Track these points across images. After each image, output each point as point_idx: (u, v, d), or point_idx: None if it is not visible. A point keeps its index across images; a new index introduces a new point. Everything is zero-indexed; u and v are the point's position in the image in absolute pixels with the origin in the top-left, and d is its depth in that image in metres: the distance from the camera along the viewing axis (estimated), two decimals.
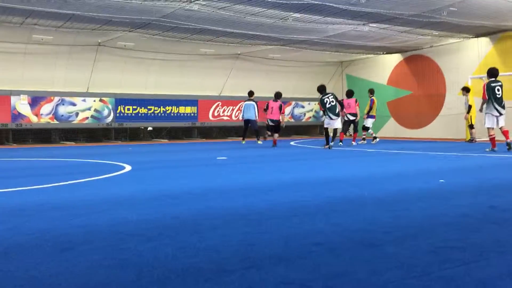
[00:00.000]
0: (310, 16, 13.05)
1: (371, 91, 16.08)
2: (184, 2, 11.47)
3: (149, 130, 18.75)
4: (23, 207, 4.52)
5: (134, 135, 18.41)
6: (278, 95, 15.52)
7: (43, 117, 16.22)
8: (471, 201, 4.70)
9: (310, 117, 22.75)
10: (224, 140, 19.24)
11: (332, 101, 13.19)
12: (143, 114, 18.09)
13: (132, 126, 18.07)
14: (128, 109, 17.78)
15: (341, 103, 14.14)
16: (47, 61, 16.10)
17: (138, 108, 17.96)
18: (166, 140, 18.63)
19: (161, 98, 18.49)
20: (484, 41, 16.64)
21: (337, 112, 13.25)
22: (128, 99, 17.79)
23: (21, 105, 15.81)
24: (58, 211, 4.33)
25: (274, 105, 15.17)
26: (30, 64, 15.80)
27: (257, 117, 16.52)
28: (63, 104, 16.60)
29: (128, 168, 8.11)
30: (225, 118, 20.20)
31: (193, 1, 11.49)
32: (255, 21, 13.45)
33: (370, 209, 4.35)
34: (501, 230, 3.46)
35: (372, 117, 16.02)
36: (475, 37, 16.73)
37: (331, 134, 13.81)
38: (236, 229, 3.57)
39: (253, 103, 16.52)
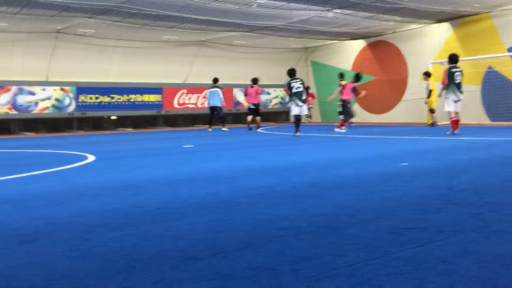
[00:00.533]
0: (274, 2, 13.04)
1: (341, 75, 16.00)
2: None
3: (113, 118, 18.42)
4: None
5: (97, 124, 18.06)
6: (255, 81, 16.38)
7: (1, 107, 15.70)
8: (431, 183, 4.83)
9: (276, 104, 22.83)
10: (190, 128, 19.10)
11: (299, 87, 12.90)
12: (106, 103, 17.75)
13: (95, 116, 17.72)
14: (91, 98, 17.40)
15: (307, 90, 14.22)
16: (2, 49, 15.55)
17: (101, 96, 17.60)
18: (130, 129, 18.36)
19: (124, 86, 18.17)
20: (445, 27, 17.02)
21: (303, 98, 12.99)
22: (90, 88, 17.41)
23: None
24: (17, 204, 4.22)
25: (252, 90, 16.17)
26: None
27: (223, 103, 16.45)
28: (21, 94, 16.11)
29: (91, 158, 7.96)
30: (191, 106, 20.04)
31: None
32: (219, 7, 13.34)
33: (334, 193, 4.42)
34: (459, 210, 3.58)
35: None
36: (436, 22, 17.09)
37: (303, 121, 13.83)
38: (203, 216, 3.57)
39: (218, 89, 16.42)
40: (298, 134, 12.72)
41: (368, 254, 2.56)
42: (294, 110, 13.04)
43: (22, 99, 16.08)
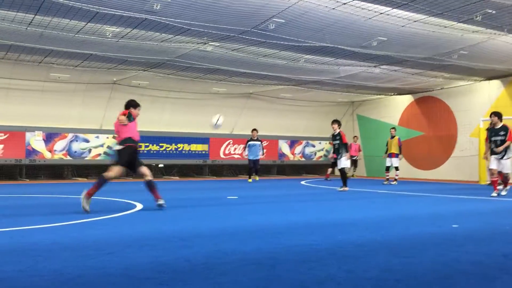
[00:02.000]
0: (322, 58, 13.29)
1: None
2: (199, 43, 11.75)
3: (160, 166, 18.86)
4: (34, 247, 4.54)
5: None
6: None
7: (57, 153, 16.43)
8: (485, 249, 4.64)
9: (321, 156, 22.77)
10: (234, 178, 19.24)
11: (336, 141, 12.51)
12: (154, 151, 18.26)
13: (145, 163, 18.20)
14: (140, 146, 17.96)
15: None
16: (63, 99, 16.45)
17: (150, 145, 18.15)
18: (177, 178, 18.70)
19: (173, 135, 18.70)
20: (495, 84, 16.73)
21: (341, 151, 12.39)
22: (140, 136, 17.99)
23: (36, 141, 16.06)
24: (69, 251, 4.34)
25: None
26: (46, 101, 16.15)
27: (262, 156, 16.89)
28: (76, 141, 16.84)
29: (139, 206, 8.13)
30: (236, 156, 20.30)
31: (207, 43, 11.77)
32: (267, 62, 13.71)
33: (383, 255, 4.31)
34: None
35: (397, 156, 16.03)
36: (486, 79, 16.84)
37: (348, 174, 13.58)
38: (248, 275, 3.55)
39: (259, 142, 16.83)
40: (346, 189, 12.48)
41: None
42: (344, 163, 12.51)
43: (76, 146, 16.80)
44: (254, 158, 16.61)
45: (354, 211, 8.11)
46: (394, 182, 15.74)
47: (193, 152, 19.28)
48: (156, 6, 8.90)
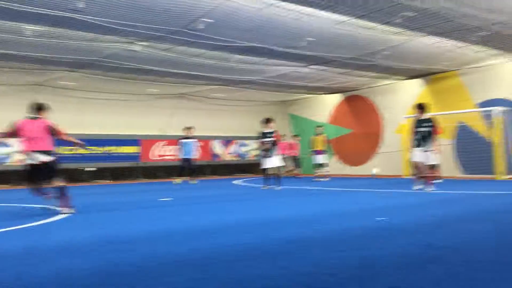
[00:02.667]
0: (252, 58, 13.41)
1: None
2: (126, 43, 11.48)
3: (88, 170, 18.22)
4: None
5: (74, 177, 17.81)
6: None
7: None
8: (411, 240, 4.89)
9: (255, 156, 23.00)
10: (168, 180, 19.00)
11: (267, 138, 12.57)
12: (84, 155, 17.62)
13: (72, 167, 17.52)
14: (71, 150, 17.29)
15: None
16: None
17: (77, 149, 17.48)
18: (109, 181, 18.15)
19: (102, 138, 18.13)
20: (417, 83, 17.66)
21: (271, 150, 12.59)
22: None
23: None
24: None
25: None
26: None
27: (195, 155, 16.47)
28: None
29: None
30: (168, 157, 20.03)
31: (134, 42, 11.52)
32: (198, 62, 13.64)
33: (316, 250, 4.43)
34: (438, 268, 3.63)
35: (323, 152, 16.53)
36: (409, 78, 17.74)
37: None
38: (183, 275, 3.53)
39: (194, 140, 16.46)
40: (268, 187, 12.53)
41: None
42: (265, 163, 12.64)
43: None
44: (189, 157, 16.22)
45: (287, 208, 8.26)
46: (326, 178, 16.21)
47: (124, 154, 18.81)
48: (80, 5, 8.59)
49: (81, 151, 17.52)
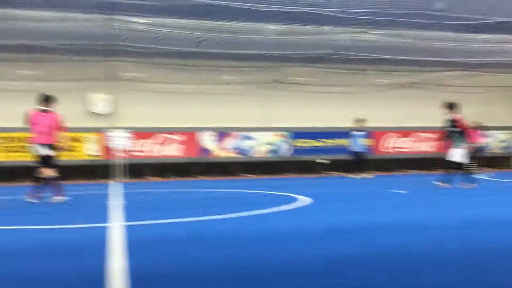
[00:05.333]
0: (501, 36, 11.84)
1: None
2: (357, 33, 11.35)
3: (319, 162, 18.79)
4: (219, 235, 4.71)
5: (309, 168, 18.68)
6: None
7: (226, 151, 17.44)
8: None
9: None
10: (403, 173, 18.33)
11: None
12: (317, 147, 18.31)
13: (307, 159, 18.37)
14: (304, 142, 18.20)
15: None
16: (230, 99, 17.39)
17: (312, 141, 18.25)
18: (341, 173, 18.47)
19: (333, 131, 18.49)
20: None
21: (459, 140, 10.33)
22: (302, 133, 18.21)
23: (208, 140, 17.23)
24: (258, 239, 4.39)
25: None
26: (215, 103, 17.24)
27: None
28: (243, 139, 17.65)
29: (307, 200, 8.09)
30: (402, 150, 19.33)
31: (367, 32, 11.31)
32: (434, 46, 12.69)
33: None
34: None
35: None
36: None
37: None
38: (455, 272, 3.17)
39: (364, 133, 15.56)
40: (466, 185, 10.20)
41: None
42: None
43: (243, 144, 17.63)
44: (360, 150, 15.63)
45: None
46: None
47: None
48: None
49: (315, 143, 18.23)
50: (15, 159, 14.75)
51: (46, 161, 8.06)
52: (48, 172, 8.10)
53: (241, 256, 3.80)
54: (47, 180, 8.19)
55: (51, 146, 8.12)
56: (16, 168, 14.71)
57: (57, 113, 8.25)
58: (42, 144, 8.00)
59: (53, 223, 5.83)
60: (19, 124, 8.77)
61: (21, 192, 8.97)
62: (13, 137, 14.88)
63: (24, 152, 13.41)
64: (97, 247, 4.12)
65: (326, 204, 7.78)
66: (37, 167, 8.15)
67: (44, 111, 8.11)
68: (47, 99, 8.17)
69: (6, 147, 14.98)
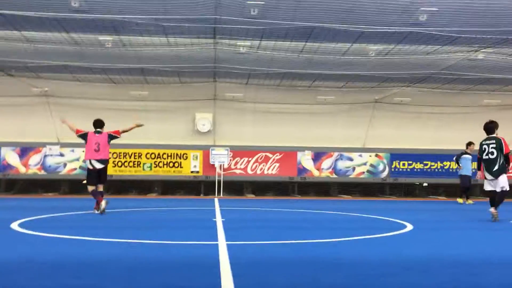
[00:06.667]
0: None
1: None
2: (469, 51, 10.85)
3: (423, 185, 18.02)
4: (315, 260, 4.72)
5: (409, 191, 17.97)
6: None
7: (323, 171, 17.35)
8: None
9: None
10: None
11: (491, 151, 8.91)
12: (418, 170, 17.58)
13: (407, 182, 17.71)
14: (403, 164, 17.55)
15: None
16: (328, 120, 17.35)
17: (414, 163, 17.57)
18: (443, 198, 17.54)
19: (438, 153, 17.66)
20: None
21: (495, 168, 8.80)
22: (403, 154, 17.62)
23: (306, 160, 17.29)
24: (352, 269, 4.34)
25: None
26: (313, 123, 17.28)
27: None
28: (341, 159, 17.47)
29: (409, 227, 7.80)
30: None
31: (479, 50, 10.77)
32: None
33: None
34: None
35: None
36: None
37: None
38: None
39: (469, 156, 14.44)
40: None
41: None
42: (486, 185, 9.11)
43: (341, 164, 17.44)
44: (467, 174, 14.56)
45: None
46: None
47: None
48: (422, 18, 8.56)
49: (418, 165, 17.54)
50: (129, 173, 15.98)
51: (100, 173, 9.32)
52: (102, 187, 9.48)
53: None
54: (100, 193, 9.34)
55: (103, 161, 9.29)
56: (126, 181, 15.89)
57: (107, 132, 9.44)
58: (97, 160, 9.23)
59: (168, 238, 6.16)
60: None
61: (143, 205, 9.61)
62: (126, 153, 16.10)
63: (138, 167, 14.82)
64: (210, 265, 4.31)
65: (436, 233, 7.45)
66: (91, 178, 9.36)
67: (98, 132, 9.37)
68: (101, 124, 9.51)
69: (119, 161, 16.21)
